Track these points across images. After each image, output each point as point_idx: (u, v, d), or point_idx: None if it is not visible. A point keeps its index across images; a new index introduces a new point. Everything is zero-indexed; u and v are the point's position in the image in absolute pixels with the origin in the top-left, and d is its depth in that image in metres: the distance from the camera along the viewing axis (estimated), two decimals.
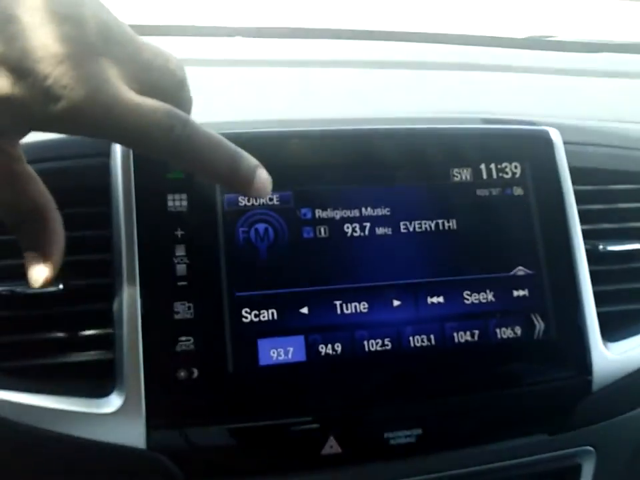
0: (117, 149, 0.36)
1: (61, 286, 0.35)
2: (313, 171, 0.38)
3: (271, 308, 0.36)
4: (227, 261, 0.36)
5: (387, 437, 0.37)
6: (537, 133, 0.43)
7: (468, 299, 0.38)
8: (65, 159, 0.37)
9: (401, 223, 0.38)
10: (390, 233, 0.38)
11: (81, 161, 0.37)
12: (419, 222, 0.39)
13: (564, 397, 0.40)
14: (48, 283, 0.29)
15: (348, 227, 0.38)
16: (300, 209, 0.37)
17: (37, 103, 0.24)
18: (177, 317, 0.34)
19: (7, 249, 0.34)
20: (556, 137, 0.43)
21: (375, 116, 0.46)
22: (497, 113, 0.47)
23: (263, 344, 0.35)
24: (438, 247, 0.39)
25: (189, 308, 0.35)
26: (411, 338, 0.37)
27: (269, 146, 0.37)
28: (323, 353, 0.36)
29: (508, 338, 0.38)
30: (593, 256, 0.42)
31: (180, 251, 0.35)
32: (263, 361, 0.35)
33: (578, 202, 0.42)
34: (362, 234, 0.38)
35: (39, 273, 0.29)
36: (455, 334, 0.38)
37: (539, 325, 0.39)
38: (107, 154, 0.36)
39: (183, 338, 0.34)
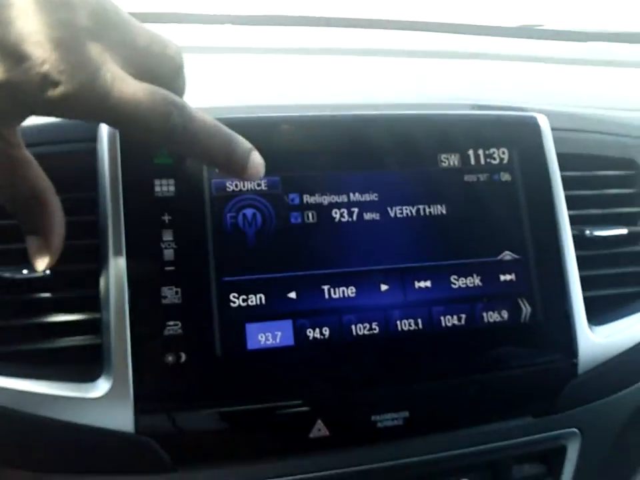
0: (104, 134, 0.36)
1: (48, 271, 0.35)
2: (300, 156, 0.38)
3: (258, 293, 0.36)
4: (214, 246, 0.36)
5: (375, 420, 0.37)
6: (525, 119, 0.43)
7: (455, 284, 0.39)
8: (51, 143, 0.37)
9: (389, 208, 0.38)
10: (378, 218, 0.38)
11: (67, 146, 0.37)
12: (406, 207, 0.39)
13: (550, 379, 0.40)
14: (50, 266, 0.30)
15: (336, 212, 0.38)
16: (288, 194, 0.37)
17: (34, 88, 0.24)
18: (164, 301, 0.34)
19: None
20: (544, 123, 0.43)
21: (364, 102, 0.46)
22: (487, 100, 0.47)
23: (250, 328, 0.35)
24: (425, 232, 0.39)
25: (177, 293, 0.35)
26: (398, 322, 0.37)
27: (256, 131, 0.37)
28: (310, 337, 0.36)
29: (495, 322, 0.39)
30: (579, 241, 0.43)
31: (167, 235, 0.35)
32: (250, 345, 0.35)
33: (565, 187, 0.42)
34: (350, 219, 0.38)
35: (42, 257, 0.30)
36: (442, 318, 0.38)
37: (526, 309, 0.39)
38: (94, 139, 0.36)
39: (171, 322, 0.34)
